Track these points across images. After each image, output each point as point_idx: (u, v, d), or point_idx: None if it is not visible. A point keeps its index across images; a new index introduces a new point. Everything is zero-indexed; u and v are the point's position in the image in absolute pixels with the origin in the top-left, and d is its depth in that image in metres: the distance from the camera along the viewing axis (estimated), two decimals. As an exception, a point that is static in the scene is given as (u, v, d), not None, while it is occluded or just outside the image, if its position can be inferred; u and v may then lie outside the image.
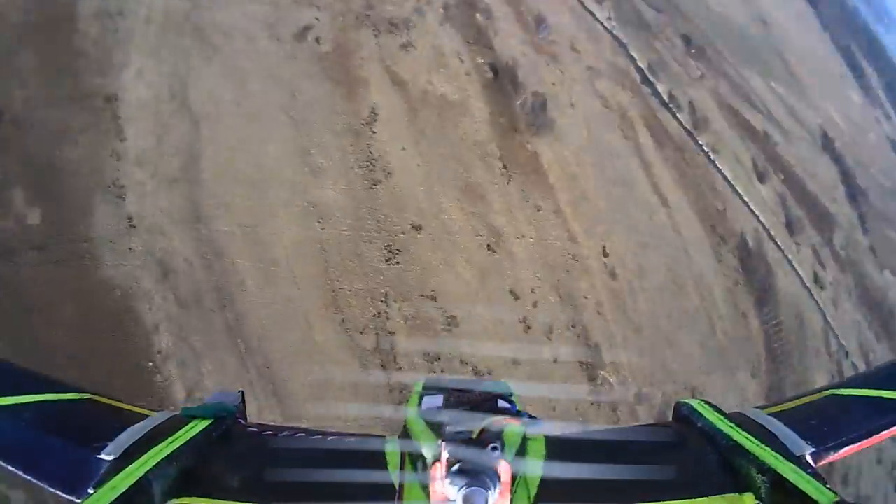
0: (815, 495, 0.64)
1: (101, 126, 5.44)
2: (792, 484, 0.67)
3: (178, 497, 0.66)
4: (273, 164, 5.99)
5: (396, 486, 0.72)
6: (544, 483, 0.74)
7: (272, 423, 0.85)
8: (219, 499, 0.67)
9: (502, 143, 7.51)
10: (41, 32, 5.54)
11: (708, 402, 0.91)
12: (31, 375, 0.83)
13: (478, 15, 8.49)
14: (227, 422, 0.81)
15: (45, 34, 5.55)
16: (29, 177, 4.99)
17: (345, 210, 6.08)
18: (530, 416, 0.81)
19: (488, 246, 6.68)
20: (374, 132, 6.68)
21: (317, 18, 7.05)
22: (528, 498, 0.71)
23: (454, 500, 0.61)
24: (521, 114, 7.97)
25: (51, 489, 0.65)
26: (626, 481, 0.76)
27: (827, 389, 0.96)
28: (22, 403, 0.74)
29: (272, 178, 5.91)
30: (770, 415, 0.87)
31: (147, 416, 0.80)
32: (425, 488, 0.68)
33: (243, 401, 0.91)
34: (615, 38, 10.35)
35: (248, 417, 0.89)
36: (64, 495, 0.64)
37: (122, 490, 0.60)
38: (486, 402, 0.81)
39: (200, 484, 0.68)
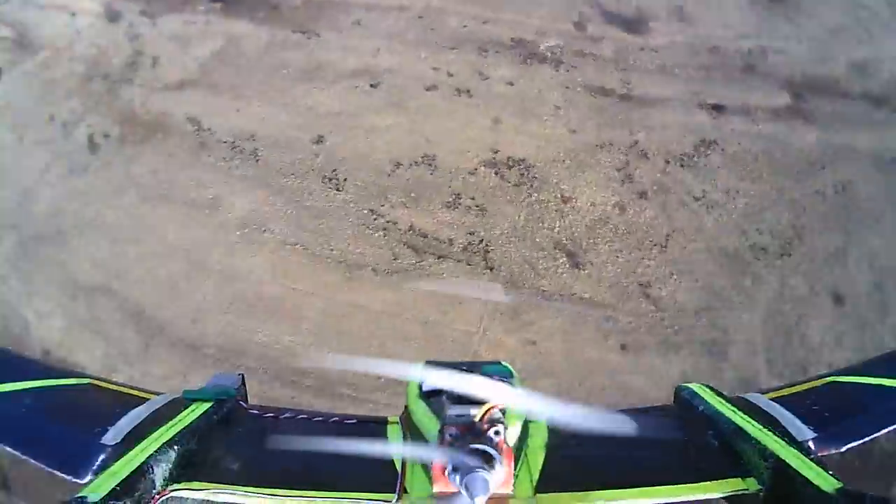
0: (817, 481, 0.64)
1: None
2: (795, 470, 0.66)
3: (178, 482, 0.65)
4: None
5: (399, 470, 0.72)
6: (546, 466, 0.75)
7: (273, 406, 0.84)
8: (220, 483, 0.67)
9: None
10: None
11: (709, 386, 0.91)
12: (30, 362, 0.83)
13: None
14: (227, 404, 0.81)
15: None
16: None
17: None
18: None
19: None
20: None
21: None
22: (531, 481, 0.72)
23: (456, 484, 0.61)
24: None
25: (50, 470, 0.65)
26: (627, 465, 0.77)
27: (828, 376, 0.97)
28: (22, 390, 0.74)
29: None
30: (772, 400, 0.87)
31: (148, 399, 0.79)
32: (428, 471, 0.68)
33: (244, 383, 0.90)
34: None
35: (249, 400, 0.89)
36: (64, 476, 0.64)
37: (123, 476, 0.60)
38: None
39: (201, 468, 0.68)
